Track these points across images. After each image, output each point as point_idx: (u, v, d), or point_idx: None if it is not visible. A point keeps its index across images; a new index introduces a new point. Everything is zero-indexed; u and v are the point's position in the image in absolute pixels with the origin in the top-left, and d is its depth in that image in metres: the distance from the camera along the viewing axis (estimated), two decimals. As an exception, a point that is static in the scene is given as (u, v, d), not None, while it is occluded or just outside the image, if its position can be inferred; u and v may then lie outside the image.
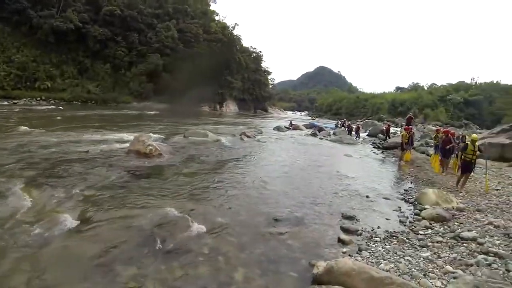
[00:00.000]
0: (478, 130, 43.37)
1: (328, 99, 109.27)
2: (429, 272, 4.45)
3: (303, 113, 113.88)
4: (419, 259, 4.87)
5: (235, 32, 78.75)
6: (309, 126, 35.29)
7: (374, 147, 21.45)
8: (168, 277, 4.28)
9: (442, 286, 4.07)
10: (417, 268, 4.59)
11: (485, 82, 79.73)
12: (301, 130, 32.02)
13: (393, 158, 16.69)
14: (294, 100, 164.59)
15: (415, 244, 5.51)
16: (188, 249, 5.02)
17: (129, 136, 14.96)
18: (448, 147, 12.36)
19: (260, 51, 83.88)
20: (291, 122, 36.61)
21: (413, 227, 6.50)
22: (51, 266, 4.31)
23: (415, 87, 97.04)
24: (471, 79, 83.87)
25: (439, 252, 5.13)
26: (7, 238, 4.94)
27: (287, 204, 7.60)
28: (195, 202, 7.20)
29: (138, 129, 20.26)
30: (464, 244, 5.33)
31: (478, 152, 9.88)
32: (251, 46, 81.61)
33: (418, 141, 22.68)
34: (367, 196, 8.72)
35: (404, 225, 6.70)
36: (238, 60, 69.45)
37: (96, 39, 52.88)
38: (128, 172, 9.33)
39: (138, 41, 57.55)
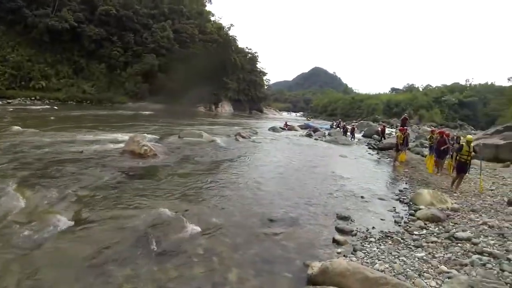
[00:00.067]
0: (473, 131, 43.69)
1: (323, 100, 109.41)
2: (423, 272, 4.45)
3: (298, 114, 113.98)
4: (414, 259, 4.86)
5: (231, 32, 78.89)
6: (304, 127, 35.33)
7: (369, 148, 21.50)
8: (162, 278, 4.25)
9: (437, 286, 4.06)
10: (412, 268, 4.59)
11: (479, 84, 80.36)
12: (296, 130, 32.02)
13: (388, 159, 16.73)
14: (290, 101, 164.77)
15: (410, 244, 5.51)
16: (182, 249, 4.99)
17: (124, 137, 14.90)
18: (442, 148, 12.41)
19: (256, 52, 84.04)
20: (286, 122, 36.63)
21: (408, 227, 6.51)
22: (44, 267, 4.26)
23: (410, 88, 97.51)
24: (466, 81, 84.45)
25: (434, 252, 5.13)
26: (0, 238, 4.88)
27: (281, 204, 7.58)
28: (189, 203, 7.17)
29: (133, 129, 20.17)
30: (459, 244, 5.34)
31: (473, 153, 9.92)
32: (246, 47, 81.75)
33: (413, 142, 22.77)
34: (362, 197, 8.72)
35: (399, 226, 6.70)
36: (233, 61, 69.41)
37: (92, 38, 52.72)
38: (122, 172, 9.28)
39: (134, 41, 57.45)
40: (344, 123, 36.41)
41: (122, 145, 12.63)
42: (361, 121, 51.36)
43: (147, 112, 39.88)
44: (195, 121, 33.45)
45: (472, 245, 5.21)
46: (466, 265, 4.56)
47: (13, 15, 47.67)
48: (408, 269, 4.54)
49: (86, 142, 13.75)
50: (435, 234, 5.98)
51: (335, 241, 5.67)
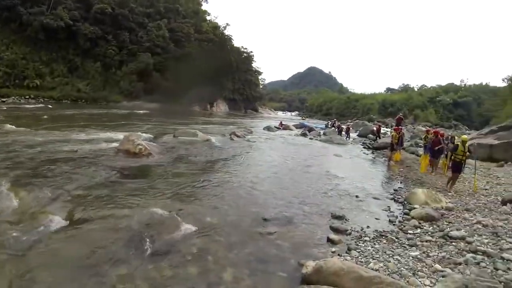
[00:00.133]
0: (467, 131, 44.04)
1: (318, 100, 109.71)
2: (418, 271, 4.45)
3: (293, 113, 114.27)
4: (408, 258, 4.87)
5: (226, 32, 78.83)
6: (299, 126, 35.38)
7: (364, 147, 21.54)
8: (157, 277, 4.23)
9: (431, 285, 4.07)
10: (406, 267, 4.59)
11: (474, 84, 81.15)
12: (291, 130, 32.06)
13: (383, 158, 16.77)
14: (285, 100, 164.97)
15: (404, 244, 5.51)
16: (177, 249, 4.97)
17: (119, 136, 14.78)
18: (437, 147, 12.47)
19: (251, 51, 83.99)
20: (281, 122, 36.66)
21: (402, 226, 6.52)
22: (38, 268, 4.21)
23: (406, 88, 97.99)
24: (461, 81, 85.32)
25: (428, 251, 5.14)
26: (-7, 239, 4.82)
27: (276, 204, 7.57)
28: (184, 202, 7.14)
29: (128, 128, 20.09)
30: (453, 243, 5.35)
31: (467, 153, 9.97)
32: (242, 46, 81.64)
33: (408, 141, 22.87)
34: (356, 196, 8.73)
35: (394, 225, 6.71)
36: (229, 60, 69.25)
37: (87, 37, 52.42)
38: (116, 171, 9.21)
39: (129, 40, 57.25)
40: (339, 123, 36.47)
41: (116, 144, 12.53)
42: (356, 121, 51.48)
43: (142, 111, 39.71)
44: (190, 120, 33.36)
45: (466, 244, 5.22)
46: (460, 264, 4.58)
47: (8, 12, 47.29)
48: (402, 268, 4.55)
49: (80, 141, 13.64)
50: (429, 233, 5.99)
51: (329, 240, 5.66)
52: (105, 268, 4.29)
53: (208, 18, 77.52)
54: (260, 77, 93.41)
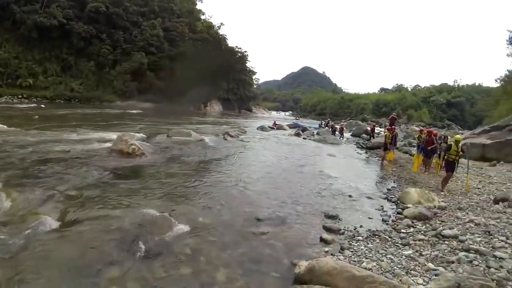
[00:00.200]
0: (460, 131, 44.35)
1: (312, 99, 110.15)
2: (411, 270, 4.46)
3: (287, 113, 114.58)
4: (401, 257, 4.88)
5: (221, 31, 78.73)
6: (292, 126, 35.47)
7: (357, 147, 21.66)
8: (150, 278, 4.20)
9: (424, 284, 4.07)
10: (399, 266, 4.60)
11: (467, 84, 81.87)
12: (285, 130, 32.11)
13: (376, 158, 16.84)
14: (279, 100, 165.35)
15: (397, 243, 5.52)
16: (170, 249, 4.94)
17: (111, 136, 14.68)
18: (430, 147, 12.54)
19: (245, 51, 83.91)
20: (274, 122, 36.68)
21: (395, 225, 6.54)
22: (30, 269, 4.16)
23: (399, 88, 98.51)
24: (454, 81, 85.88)
25: (421, 250, 5.15)
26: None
27: (269, 204, 7.56)
28: (177, 202, 7.10)
29: (121, 128, 19.97)
30: (446, 242, 5.37)
31: (461, 153, 10.04)
32: (236, 46, 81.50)
33: (402, 141, 22.98)
34: (350, 196, 8.75)
35: (387, 224, 6.73)
36: (224, 61, 69.05)
37: (80, 36, 51.99)
38: (109, 172, 9.13)
39: (123, 39, 56.95)
40: (333, 123, 36.58)
41: (109, 144, 12.43)
42: (350, 121, 51.70)
43: (135, 111, 39.55)
44: (184, 120, 33.25)
45: (459, 243, 5.24)
46: (453, 262, 4.59)
47: (1, 11, 46.88)
48: (395, 267, 4.55)
49: (72, 141, 13.50)
50: (422, 232, 6.01)
51: (322, 240, 5.66)
52: (97, 269, 4.25)
53: (202, 17, 77.46)
54: (254, 76, 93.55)
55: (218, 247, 5.18)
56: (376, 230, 6.23)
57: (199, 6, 78.37)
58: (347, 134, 29.51)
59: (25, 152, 10.43)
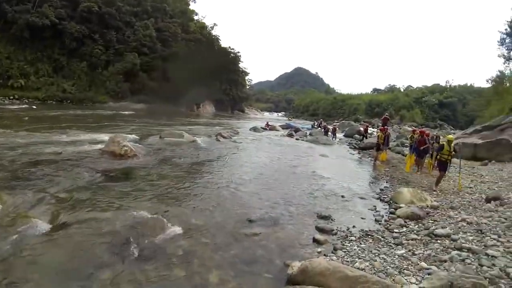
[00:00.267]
0: (452, 131, 44.63)
1: (305, 100, 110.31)
2: (404, 269, 4.46)
3: (280, 114, 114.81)
4: (394, 257, 4.88)
5: (214, 32, 78.58)
6: (285, 127, 35.44)
7: (350, 148, 21.73)
8: (142, 280, 4.17)
9: (417, 283, 4.07)
10: (392, 265, 4.60)
11: (459, 85, 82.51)
12: (278, 130, 32.09)
13: (369, 158, 16.90)
14: (271, 101, 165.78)
15: (390, 242, 5.53)
16: (163, 251, 4.92)
17: (103, 137, 14.58)
18: (422, 147, 12.60)
19: (238, 52, 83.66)
20: (267, 122, 36.63)
21: (388, 225, 6.56)
22: (20, 273, 4.11)
23: (392, 89, 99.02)
24: (446, 82, 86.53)
25: (414, 249, 5.16)
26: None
27: (262, 205, 7.55)
28: (169, 204, 7.07)
29: (113, 129, 19.83)
30: (438, 241, 5.39)
31: (453, 152, 10.10)
32: (229, 47, 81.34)
33: (394, 141, 23.08)
34: (342, 196, 8.76)
35: (380, 224, 6.75)
36: (217, 61, 68.85)
37: (73, 36, 51.45)
38: (102, 173, 9.07)
39: (116, 39, 56.53)
40: (325, 123, 36.65)
41: (101, 145, 12.37)
42: (343, 121, 51.83)
43: (128, 112, 39.33)
44: (176, 121, 33.15)
45: (451, 242, 5.26)
46: (445, 261, 4.60)
47: (-7, 10, 46.25)
48: (388, 267, 4.55)
49: (65, 142, 13.37)
50: (415, 231, 6.02)
51: (315, 240, 5.66)
52: (88, 272, 4.21)
53: (195, 18, 77.25)
54: (247, 77, 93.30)
55: (211, 248, 5.15)
56: (369, 230, 6.24)
57: (192, 6, 78.28)
58: (339, 135, 29.60)
59: (15, 154, 10.30)
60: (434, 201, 8.25)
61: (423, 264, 4.57)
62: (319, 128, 33.44)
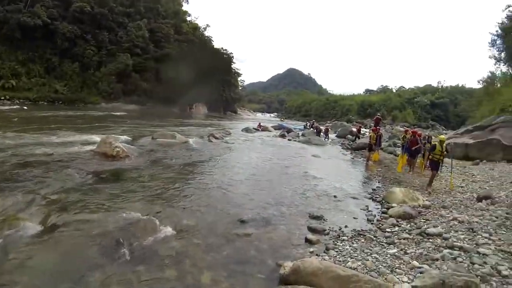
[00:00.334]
0: (444, 131, 44.97)
1: (297, 101, 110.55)
2: (396, 268, 4.47)
3: (272, 115, 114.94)
4: (386, 256, 4.90)
5: (207, 33, 78.43)
6: (277, 128, 35.40)
7: (342, 148, 21.79)
8: (134, 281, 4.15)
9: (409, 281, 4.08)
10: (384, 264, 4.61)
11: (450, 86, 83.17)
12: (270, 131, 32.04)
13: (361, 159, 16.97)
14: (264, 102, 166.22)
15: (382, 242, 5.55)
16: (155, 252, 4.90)
17: (95, 138, 14.44)
18: (414, 147, 12.67)
19: (231, 53, 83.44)
20: (259, 123, 36.57)
21: (380, 225, 6.58)
22: (10, 275, 4.06)
23: (384, 90, 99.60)
24: (438, 83, 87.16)
25: (406, 248, 5.18)
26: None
27: (254, 205, 7.53)
28: (161, 205, 7.01)
29: (105, 130, 19.64)
30: (430, 240, 5.42)
31: (445, 152, 10.16)
32: (221, 48, 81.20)
33: (386, 141, 23.20)
34: (334, 196, 8.77)
35: (372, 224, 6.78)
36: (209, 62, 68.69)
37: (65, 36, 50.97)
38: (93, 175, 8.97)
39: (108, 40, 56.16)
40: (317, 124, 36.70)
41: (93, 147, 12.26)
42: (335, 122, 51.96)
43: (120, 113, 39.09)
44: (169, 122, 33.00)
45: (443, 240, 5.28)
46: (437, 259, 4.63)
47: (-16, 10, 45.68)
48: (380, 266, 4.56)
49: (55, 144, 13.18)
50: (407, 230, 6.05)
51: (307, 240, 5.66)
52: (81, 274, 4.19)
53: (188, 18, 77.01)
54: (239, 78, 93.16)
55: (203, 249, 5.14)
56: (361, 229, 6.26)
57: (185, 7, 78.09)
58: (332, 135, 29.65)
59: (5, 155, 10.12)
60: (426, 200, 8.30)
61: (415, 263, 4.59)
62: (311, 129, 33.49)
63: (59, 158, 10.57)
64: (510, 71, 27.95)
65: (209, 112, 69.45)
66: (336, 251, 5.17)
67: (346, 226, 6.42)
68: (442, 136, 10.96)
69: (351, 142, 24.65)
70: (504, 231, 5.45)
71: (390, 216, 6.99)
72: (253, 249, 5.27)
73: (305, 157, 16.27)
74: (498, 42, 30.63)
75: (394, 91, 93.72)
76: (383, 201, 8.38)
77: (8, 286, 3.86)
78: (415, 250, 5.08)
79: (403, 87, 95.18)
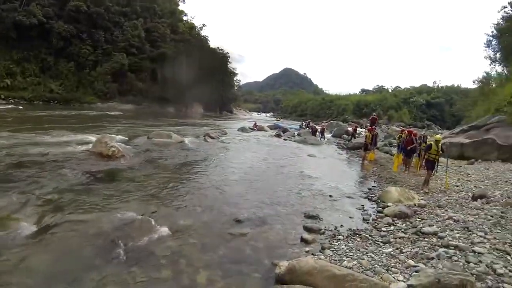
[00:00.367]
0: (440, 131, 45.18)
1: (293, 101, 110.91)
2: (391, 267, 4.47)
3: (268, 115, 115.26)
4: (382, 255, 4.89)
5: (203, 33, 78.33)
6: (273, 127, 35.44)
7: (338, 148, 21.83)
8: (130, 282, 4.13)
9: (405, 280, 4.08)
10: (380, 263, 4.61)
11: (446, 86, 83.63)
12: (266, 131, 32.12)
13: (357, 158, 17.02)
14: (260, 102, 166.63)
15: (378, 241, 5.56)
16: (150, 252, 4.88)
17: (91, 138, 14.37)
18: (410, 147, 12.70)
19: (227, 52, 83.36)
20: (255, 123, 36.57)
21: (376, 224, 6.58)
22: (5, 276, 4.02)
23: (380, 90, 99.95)
24: (433, 83, 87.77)
25: (402, 247, 5.18)
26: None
27: (249, 205, 7.51)
28: (157, 204, 6.99)
29: (101, 130, 19.56)
30: (426, 239, 5.42)
31: (441, 152, 10.20)
32: (218, 47, 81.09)
33: (382, 141, 23.27)
34: (330, 196, 8.77)
35: (367, 223, 6.78)
36: (206, 62, 68.63)
37: (60, 35, 50.84)
38: (89, 175, 8.91)
39: (104, 39, 56.08)
40: (313, 124, 36.74)
41: (88, 146, 12.21)
42: (331, 122, 52.07)
43: (116, 113, 38.99)
44: (165, 122, 32.95)
45: (439, 239, 5.29)
46: (432, 258, 4.62)
47: (-21, 9, 45.39)
48: (376, 265, 4.56)
49: (50, 143, 13.08)
50: (402, 230, 6.06)
51: (303, 240, 5.66)
52: (76, 274, 4.16)
53: (184, 18, 76.93)
54: (235, 78, 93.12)
55: (199, 249, 5.12)
56: (357, 229, 6.26)
57: (181, 7, 77.97)
58: (328, 135, 29.71)
59: (0, 155, 10.07)
60: (422, 199, 8.33)
61: (411, 261, 4.59)
62: (307, 129, 33.52)
63: (54, 158, 10.48)
64: (505, 71, 28.07)
65: (205, 111, 69.36)
66: (332, 251, 5.17)
67: (341, 226, 6.42)
68: (438, 136, 10.99)
69: (347, 142, 24.71)
70: (499, 229, 5.47)
71: (386, 215, 7.00)
72: (249, 248, 5.26)
73: (301, 157, 16.28)
74: (493, 42, 30.85)
75: (390, 91, 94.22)
76: (379, 201, 8.39)
77: (2, 287, 3.83)
78: (411, 249, 5.08)
79: (399, 87, 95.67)
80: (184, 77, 54.14)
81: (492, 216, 6.19)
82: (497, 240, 4.99)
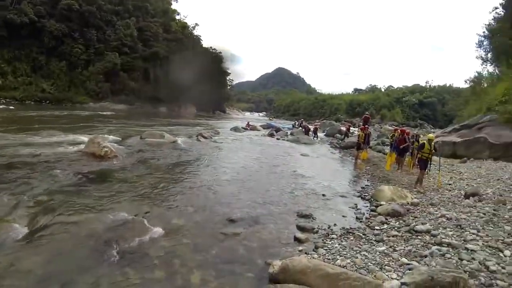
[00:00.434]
0: (432, 130, 45.46)
1: (286, 100, 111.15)
2: (385, 265, 4.49)
3: (261, 114, 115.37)
4: (375, 254, 4.90)
5: (196, 32, 78.13)
6: (266, 127, 35.40)
7: (331, 147, 21.87)
8: (124, 282, 4.10)
9: (398, 278, 4.09)
10: (373, 262, 4.62)
11: (438, 85, 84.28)
12: (258, 130, 32.07)
13: (350, 157, 17.08)
14: (253, 101, 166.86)
15: (371, 239, 5.58)
16: (144, 252, 4.85)
17: (83, 138, 14.24)
18: (402, 146, 12.76)
19: (220, 52, 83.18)
20: (248, 122, 36.54)
21: (369, 223, 6.60)
22: None
23: (373, 89, 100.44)
24: (426, 82, 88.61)
25: (395, 245, 5.20)
26: None
27: (242, 204, 7.50)
28: (150, 205, 6.96)
29: (93, 130, 19.42)
30: (419, 237, 5.44)
31: (433, 151, 10.25)
32: (210, 47, 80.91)
33: (375, 140, 23.36)
34: (323, 195, 8.78)
35: (361, 222, 6.80)
36: (198, 62, 68.48)
37: (52, 34, 50.43)
38: (81, 175, 8.83)
39: (96, 39, 55.75)
40: (306, 123, 36.81)
41: (80, 147, 12.11)
42: (324, 121, 52.20)
43: (108, 113, 38.76)
44: (157, 122, 32.81)
45: (432, 237, 5.32)
46: (426, 256, 4.64)
47: (-31, 7, 44.83)
48: (369, 263, 4.57)
49: (42, 144, 12.94)
50: (395, 228, 6.08)
51: (296, 239, 5.65)
52: (69, 276, 4.12)
53: (177, 17, 76.69)
54: (228, 77, 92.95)
55: (192, 249, 5.10)
56: (350, 227, 6.28)
57: (174, 6, 77.70)
58: (320, 134, 29.77)
59: (-11, 156, 9.94)
60: (414, 198, 8.37)
61: (404, 259, 4.61)
62: (300, 128, 33.56)
63: (46, 158, 10.36)
64: (497, 71, 28.32)
65: (198, 111, 69.14)
66: (325, 249, 5.17)
67: (335, 225, 6.43)
68: (431, 135, 11.05)
69: (340, 141, 24.77)
70: (492, 227, 5.51)
71: (379, 214, 7.02)
72: (242, 248, 5.24)
73: (294, 156, 16.29)
74: (485, 43, 31.18)
75: (382, 90, 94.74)
76: (372, 199, 8.43)
77: (-6, 290, 3.78)
78: (404, 247, 5.10)
79: (392, 87, 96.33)
80: (176, 77, 53.92)
81: (484, 214, 6.22)
82: (490, 238, 5.02)
